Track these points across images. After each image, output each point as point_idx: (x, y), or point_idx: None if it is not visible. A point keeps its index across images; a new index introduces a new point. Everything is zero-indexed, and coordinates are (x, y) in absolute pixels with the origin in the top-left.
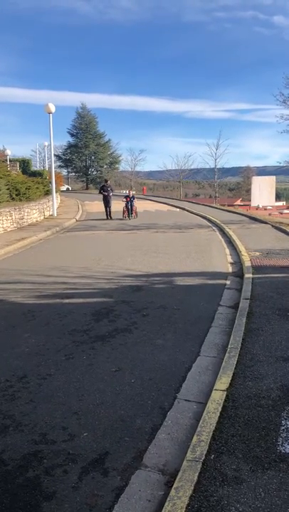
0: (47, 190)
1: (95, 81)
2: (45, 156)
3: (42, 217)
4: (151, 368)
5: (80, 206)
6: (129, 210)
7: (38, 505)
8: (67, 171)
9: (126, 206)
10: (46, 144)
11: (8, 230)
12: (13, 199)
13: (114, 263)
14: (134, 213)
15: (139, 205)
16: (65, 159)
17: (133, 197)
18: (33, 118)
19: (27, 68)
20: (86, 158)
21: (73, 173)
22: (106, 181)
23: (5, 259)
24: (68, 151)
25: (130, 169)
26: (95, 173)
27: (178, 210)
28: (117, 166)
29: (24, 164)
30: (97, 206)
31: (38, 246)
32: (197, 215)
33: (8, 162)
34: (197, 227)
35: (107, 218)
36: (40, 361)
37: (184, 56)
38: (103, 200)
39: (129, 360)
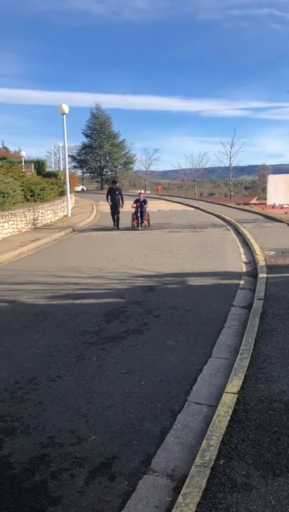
0: (61, 191)
1: (110, 81)
2: (60, 157)
3: (56, 218)
4: (162, 369)
5: (94, 207)
6: (138, 217)
7: (44, 510)
8: (82, 172)
9: (135, 213)
10: (61, 144)
11: (23, 230)
12: (27, 200)
13: (126, 263)
14: (145, 221)
15: (153, 205)
16: (80, 160)
17: (144, 200)
18: (48, 119)
19: (42, 70)
20: (100, 158)
21: (88, 174)
22: (114, 183)
23: (19, 259)
24: (83, 151)
25: (144, 169)
26: (109, 173)
27: (192, 209)
28: (131, 165)
29: (39, 165)
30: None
31: (51, 247)
32: (212, 214)
33: (23, 163)
34: (211, 227)
35: (114, 227)
36: (50, 363)
37: (199, 55)
38: (110, 206)
39: (140, 361)
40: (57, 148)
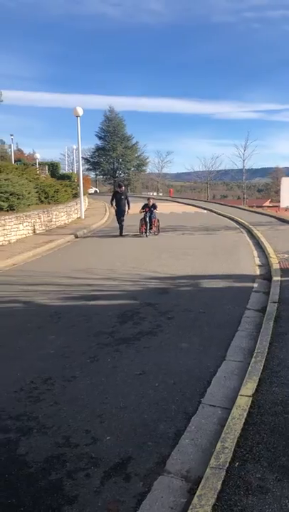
0: (75, 193)
1: (124, 84)
2: (73, 159)
3: (70, 220)
4: (176, 371)
5: (107, 209)
6: (147, 224)
7: (60, 509)
8: (95, 174)
9: (144, 219)
10: (75, 147)
11: (37, 232)
12: (42, 202)
13: (139, 265)
14: (154, 227)
15: (166, 207)
16: (93, 162)
17: (154, 206)
18: (63, 122)
19: (57, 73)
20: (114, 160)
21: (101, 176)
22: (120, 187)
23: (33, 261)
24: (96, 153)
25: (157, 171)
26: (122, 175)
27: (205, 211)
28: (144, 168)
29: (53, 167)
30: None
31: (65, 248)
32: (225, 216)
33: (37, 165)
34: (225, 229)
35: (120, 235)
36: (65, 363)
37: (212, 57)
38: (116, 212)
39: (154, 363)
40: (70, 150)
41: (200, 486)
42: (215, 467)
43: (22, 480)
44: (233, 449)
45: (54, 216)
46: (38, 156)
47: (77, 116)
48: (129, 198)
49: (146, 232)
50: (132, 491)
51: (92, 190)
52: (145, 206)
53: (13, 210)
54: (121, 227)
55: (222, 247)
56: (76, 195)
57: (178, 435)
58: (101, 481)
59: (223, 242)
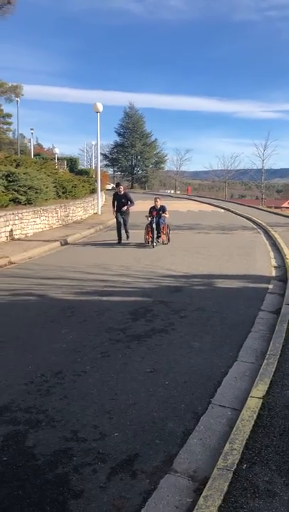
0: (92, 189)
1: (145, 81)
2: (92, 154)
3: (86, 215)
4: (187, 370)
5: None
6: (154, 231)
7: (65, 503)
8: (113, 170)
9: (150, 225)
10: (94, 142)
11: (54, 226)
12: (59, 197)
13: (154, 262)
14: (163, 235)
15: (183, 205)
16: (112, 158)
17: (162, 208)
18: (83, 118)
19: (78, 69)
20: (132, 157)
21: (119, 172)
22: (118, 185)
23: (49, 255)
24: (115, 150)
25: (175, 169)
26: (140, 172)
27: (222, 211)
28: (162, 165)
29: (72, 163)
30: (141, 205)
31: (80, 243)
32: (242, 216)
33: (56, 160)
34: (241, 229)
35: (118, 242)
36: (76, 358)
37: (234, 56)
38: (116, 215)
39: (165, 361)
40: (89, 146)
41: (206, 486)
42: (222, 468)
43: (29, 472)
44: (241, 451)
45: (71, 211)
46: (57, 150)
47: (97, 112)
48: (133, 198)
49: (152, 242)
50: (137, 488)
51: (109, 187)
52: (152, 210)
53: (31, 203)
54: (118, 234)
55: (238, 247)
56: (94, 191)
57: (186, 434)
58: (107, 476)
59: (239, 242)
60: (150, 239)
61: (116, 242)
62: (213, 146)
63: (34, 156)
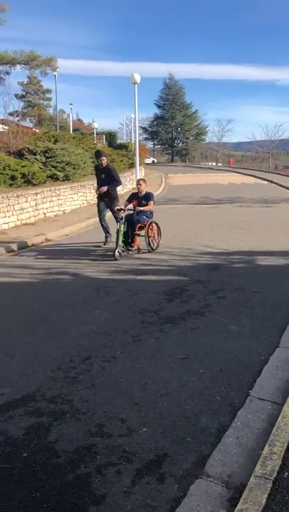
0: (131, 163)
1: (184, 50)
2: (131, 128)
3: (124, 191)
4: (223, 357)
5: (163, 179)
6: (120, 232)
7: (85, 510)
8: (153, 144)
9: (120, 221)
10: (133, 116)
11: (92, 202)
12: None
13: (191, 239)
14: (150, 238)
15: (224, 177)
16: (151, 131)
17: (147, 196)
18: (123, 91)
19: (115, 41)
20: (172, 129)
21: (159, 146)
22: (98, 156)
23: (86, 232)
24: (155, 123)
25: (217, 140)
26: (180, 145)
27: (265, 182)
28: (203, 137)
29: (110, 137)
30: (181, 179)
31: None
32: (286, 188)
33: (94, 135)
34: (285, 202)
35: (104, 243)
36: (107, 342)
37: (277, 20)
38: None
39: (199, 347)
40: (129, 119)
41: (242, 497)
42: (260, 476)
43: (49, 472)
44: (282, 456)
45: None
46: (95, 125)
47: (134, 84)
48: (118, 176)
49: (117, 249)
50: (165, 495)
51: (149, 160)
52: (132, 198)
53: (69, 180)
54: (105, 227)
55: (282, 221)
56: (132, 165)
57: (221, 431)
58: (132, 479)
59: (283, 216)
60: (118, 248)
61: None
62: (256, 116)
63: (73, 131)
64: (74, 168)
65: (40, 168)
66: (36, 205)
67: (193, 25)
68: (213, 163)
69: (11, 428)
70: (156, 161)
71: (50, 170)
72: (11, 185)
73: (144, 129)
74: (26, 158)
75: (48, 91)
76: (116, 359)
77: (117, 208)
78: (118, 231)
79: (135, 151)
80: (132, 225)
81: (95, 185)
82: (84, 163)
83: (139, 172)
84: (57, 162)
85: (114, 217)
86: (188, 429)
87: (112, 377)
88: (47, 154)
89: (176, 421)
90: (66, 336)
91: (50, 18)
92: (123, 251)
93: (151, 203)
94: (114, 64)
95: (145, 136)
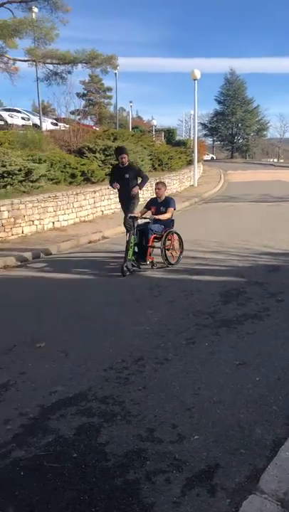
0: (189, 160)
1: (245, 45)
2: (191, 125)
3: (182, 188)
4: (281, 365)
5: (221, 176)
6: (130, 244)
7: None
8: (213, 140)
9: (128, 232)
10: (192, 112)
11: (148, 200)
12: (155, 169)
13: (250, 238)
14: (172, 252)
15: (286, 174)
16: (211, 128)
17: (166, 203)
18: (182, 88)
19: (174, 37)
20: (232, 125)
21: (218, 142)
22: (119, 153)
23: None
24: (214, 119)
25: (279, 136)
26: (241, 141)
27: None
28: (264, 133)
29: (169, 134)
30: (240, 176)
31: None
32: None
33: (153, 132)
34: None
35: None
36: (160, 343)
37: None
38: (120, 200)
39: (256, 353)
40: (188, 116)
41: None
42: None
43: (98, 475)
44: None
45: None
46: (154, 122)
47: (194, 80)
48: (145, 176)
49: (125, 265)
50: (216, 509)
51: (208, 157)
52: (150, 204)
53: None
54: (129, 231)
55: None
56: (190, 162)
57: (277, 444)
58: (182, 489)
59: None
60: (125, 260)
61: (209, 213)
62: None
63: (132, 128)
64: None
65: (99, 166)
66: (94, 202)
67: (255, 18)
68: (275, 160)
69: (62, 427)
70: (215, 158)
71: (108, 168)
72: (70, 183)
73: (204, 125)
74: (86, 157)
75: (109, 89)
76: (168, 361)
77: (129, 215)
78: (128, 242)
79: (193, 148)
80: (146, 235)
81: (153, 183)
82: (142, 161)
83: (197, 169)
84: (115, 160)
85: (125, 227)
86: (242, 439)
87: (164, 380)
88: (106, 152)
89: (229, 430)
90: (119, 336)
91: (107, 18)
92: (133, 265)
93: (171, 209)
94: (173, 60)
95: (204, 132)
